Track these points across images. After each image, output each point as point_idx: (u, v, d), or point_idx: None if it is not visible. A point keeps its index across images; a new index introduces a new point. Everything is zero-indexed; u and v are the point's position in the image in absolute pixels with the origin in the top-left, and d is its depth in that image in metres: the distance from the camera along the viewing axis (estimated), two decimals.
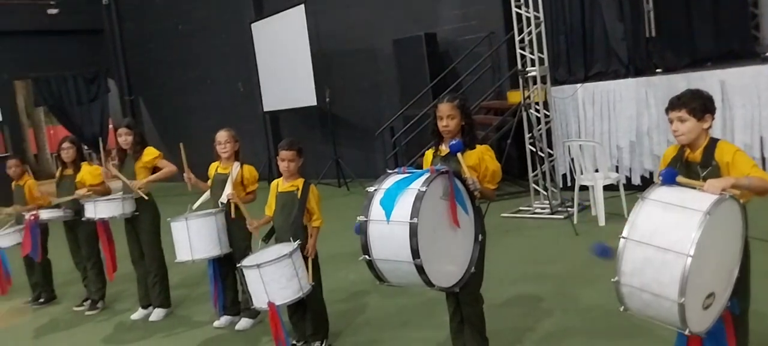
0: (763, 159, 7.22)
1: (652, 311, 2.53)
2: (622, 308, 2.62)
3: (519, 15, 7.99)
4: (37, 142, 21.93)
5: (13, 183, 6.50)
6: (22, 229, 6.16)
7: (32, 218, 6.03)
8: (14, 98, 16.29)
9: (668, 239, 2.42)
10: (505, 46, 9.60)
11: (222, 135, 4.95)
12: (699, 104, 2.85)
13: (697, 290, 2.45)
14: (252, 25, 12.96)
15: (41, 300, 6.49)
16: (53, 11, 15.74)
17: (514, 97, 8.90)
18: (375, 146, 11.54)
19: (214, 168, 5.06)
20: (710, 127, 2.89)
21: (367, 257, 3.05)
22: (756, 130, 7.29)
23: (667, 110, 2.92)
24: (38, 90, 16.00)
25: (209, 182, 5.07)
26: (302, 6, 11.27)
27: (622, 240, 2.52)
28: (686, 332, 2.47)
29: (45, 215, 6.07)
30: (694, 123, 2.84)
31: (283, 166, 4.25)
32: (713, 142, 2.86)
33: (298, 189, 4.20)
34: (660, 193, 2.60)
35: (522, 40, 8.04)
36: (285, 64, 12.15)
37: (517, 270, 5.80)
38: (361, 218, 3.04)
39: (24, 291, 6.65)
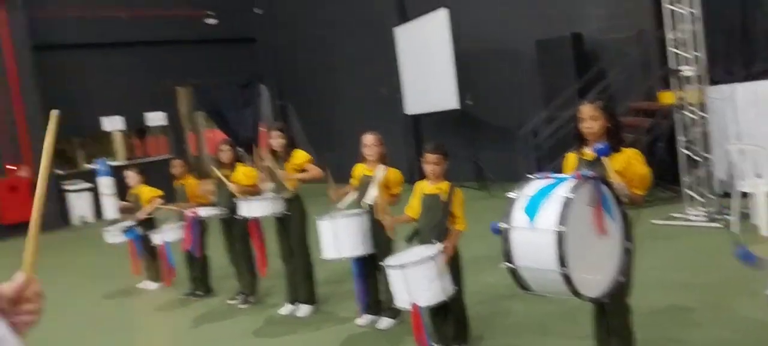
0: None
1: None
2: None
3: (671, 11, 7.52)
4: (196, 145, 23.67)
5: (176, 182, 7.10)
6: (184, 225, 6.70)
7: (192, 215, 6.54)
8: (177, 104, 17.71)
9: None
10: (655, 44, 9.06)
11: (369, 138, 5.07)
12: None
13: None
14: (395, 29, 13.20)
15: (199, 293, 6.99)
16: (212, 21, 16.93)
17: (666, 98, 8.38)
18: (516, 149, 11.33)
19: (360, 169, 5.19)
20: None
21: (509, 264, 3.00)
22: None
23: None
24: (198, 96, 17.30)
25: (355, 182, 5.22)
26: (446, 9, 11.32)
27: None
28: None
29: (203, 212, 6.56)
30: None
31: (428, 168, 4.28)
32: None
33: (443, 192, 4.22)
34: None
35: (675, 38, 7.55)
36: (427, 68, 12.26)
37: (668, 279, 5.48)
38: (503, 225, 3.00)
39: (184, 283, 7.20)
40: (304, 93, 17.28)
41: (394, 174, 5.07)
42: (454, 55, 11.41)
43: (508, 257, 2.99)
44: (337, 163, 5.25)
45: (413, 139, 13.94)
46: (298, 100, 17.67)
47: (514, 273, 3.01)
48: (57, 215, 14.71)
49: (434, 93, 12.17)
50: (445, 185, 4.25)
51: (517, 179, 3.34)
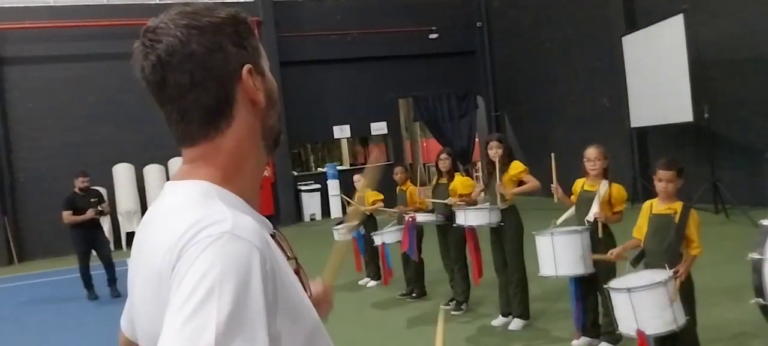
0: None
1: None
2: None
3: None
4: (412, 153, 24.53)
5: (398, 188, 7.43)
6: (402, 229, 6.97)
7: (411, 219, 6.78)
8: (397, 114, 18.52)
9: None
10: None
11: (591, 152, 4.86)
12: None
13: None
14: (623, 38, 12.52)
15: (414, 294, 7.22)
16: (434, 36, 17.48)
17: None
18: (761, 171, 10.10)
19: (580, 184, 4.99)
20: None
21: (761, 300, 2.67)
22: None
23: None
24: (417, 107, 17.95)
25: (573, 197, 5.03)
26: (681, 15, 10.49)
27: None
28: None
29: (421, 218, 6.78)
30: None
31: (660, 186, 3.98)
32: None
33: (675, 213, 3.90)
34: None
35: None
36: (658, 78, 11.45)
37: None
38: (755, 256, 2.69)
39: (401, 283, 7.48)
40: (520, 104, 17.11)
41: (618, 190, 4.79)
42: (689, 63, 10.50)
43: (760, 292, 2.66)
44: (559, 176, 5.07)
45: (638, 154, 13.08)
46: (514, 112, 17.53)
47: (766, 310, 2.68)
48: (292, 211, 16.23)
49: (665, 104, 11.31)
50: (677, 205, 3.92)
51: (765, 203, 2.97)
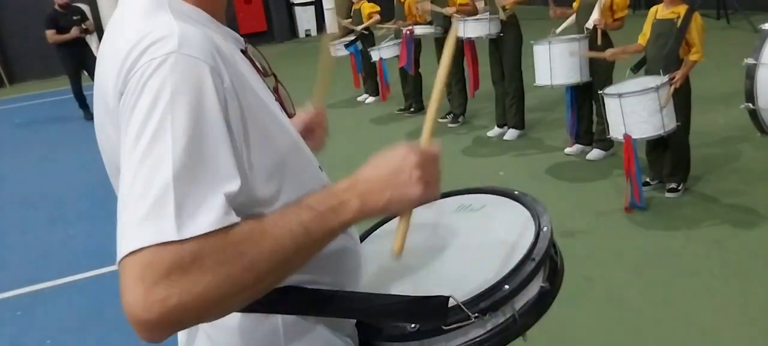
0: None
1: None
2: None
3: None
4: None
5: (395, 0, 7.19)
6: (400, 43, 6.85)
7: (408, 32, 6.65)
8: None
9: None
10: None
11: None
12: None
13: None
14: None
15: (412, 109, 7.26)
16: None
17: None
18: None
19: None
20: None
21: (750, 105, 2.69)
22: None
23: None
24: None
25: (576, 4, 4.89)
26: None
27: None
28: None
29: (419, 30, 6.63)
30: None
31: None
32: None
33: (678, 16, 3.81)
34: None
35: None
36: None
37: None
38: (750, 61, 2.66)
39: (399, 99, 7.51)
40: None
41: None
42: None
43: (750, 96, 2.68)
44: None
45: None
46: None
47: (754, 115, 2.71)
48: (286, 27, 15.89)
49: None
50: (681, 9, 3.82)
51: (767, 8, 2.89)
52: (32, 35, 12.39)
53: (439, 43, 6.48)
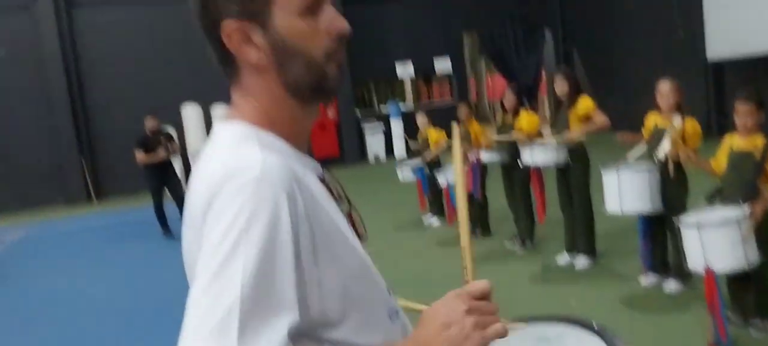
0: None
1: None
2: None
3: None
4: (477, 91, 24.15)
5: (461, 126, 7.33)
6: (467, 168, 6.94)
7: (475, 158, 6.74)
8: (462, 50, 18.17)
9: None
10: None
11: (664, 85, 4.64)
12: None
13: None
14: None
15: (477, 233, 7.23)
16: None
17: None
18: None
19: (651, 120, 4.80)
20: None
21: None
22: None
23: None
24: (482, 41, 17.55)
25: (645, 133, 4.87)
26: None
27: None
28: None
29: (486, 156, 6.72)
30: None
31: (740, 120, 3.80)
32: None
33: (756, 148, 3.73)
34: None
35: None
36: (737, 6, 10.80)
37: None
38: None
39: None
40: (589, 38, 16.49)
41: (692, 125, 4.57)
42: None
43: None
44: (623, 111, 4.93)
45: (714, 88, 12.49)
46: (584, 46, 16.92)
47: None
48: (357, 151, 16.38)
49: (746, 35, 10.68)
50: (759, 140, 3.74)
51: None
52: (122, 155, 13.17)
53: (506, 169, 6.53)
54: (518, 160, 6.02)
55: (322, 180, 1.08)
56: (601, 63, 15.98)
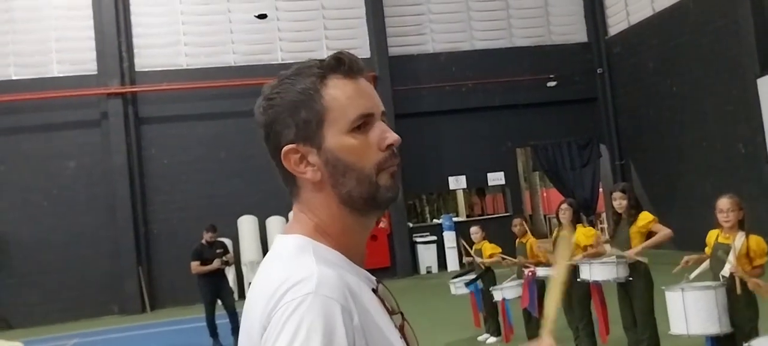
0: None
1: None
2: None
3: None
4: (531, 204, 23.96)
5: (517, 240, 7.24)
6: (522, 283, 6.77)
7: (531, 273, 6.58)
8: (515, 164, 18.20)
9: None
10: None
11: (724, 202, 4.52)
12: None
13: None
14: (758, 80, 11.73)
15: None
16: (552, 84, 17.14)
17: None
18: None
19: (714, 236, 4.64)
20: None
21: None
22: None
23: None
24: (536, 156, 17.57)
25: (708, 250, 4.69)
26: None
27: None
28: None
29: (542, 272, 6.55)
30: None
31: None
32: None
33: None
34: None
35: None
36: None
37: None
38: None
39: (523, 340, 7.20)
40: (647, 152, 16.29)
41: (757, 242, 4.43)
42: None
43: None
44: (688, 228, 4.78)
45: None
46: (641, 160, 16.71)
47: None
48: (408, 263, 16.24)
49: None
50: None
51: None
52: (176, 265, 13.41)
53: (571, 285, 6.30)
54: (577, 277, 5.82)
55: (376, 292, 1.10)
56: (660, 178, 15.70)
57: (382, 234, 15.88)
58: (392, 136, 1.12)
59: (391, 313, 1.11)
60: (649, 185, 16.12)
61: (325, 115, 1.10)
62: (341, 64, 1.12)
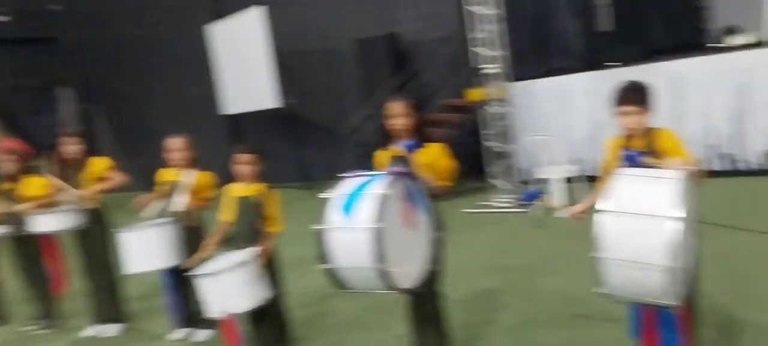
0: (712, 146, 7.53)
1: (634, 286, 2.51)
2: (600, 290, 2.58)
3: (475, 13, 7.99)
4: None
5: None
6: None
7: None
8: None
9: (651, 207, 2.46)
10: (463, 44, 9.57)
11: (173, 142, 4.75)
12: (641, 97, 3.01)
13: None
14: (207, 26, 12.78)
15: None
16: (3, 19, 15.21)
17: (474, 94, 8.89)
18: (340, 147, 11.42)
19: (165, 175, 4.84)
20: (651, 116, 3.02)
21: (326, 265, 2.97)
22: (705, 119, 7.56)
23: (614, 104, 3.05)
24: None
25: (161, 188, 4.86)
26: (259, 7, 11.11)
27: (601, 213, 2.52)
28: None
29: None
30: (640, 115, 2.98)
31: (240, 170, 4.08)
32: (654, 130, 3.02)
33: (255, 194, 4.06)
34: (628, 171, 2.77)
35: (479, 38, 8.04)
36: (245, 66, 11.94)
37: (478, 264, 5.89)
38: (319, 227, 2.97)
39: None
40: (114, 97, 16.01)
41: (204, 177, 4.80)
42: (273, 53, 11.20)
43: (325, 258, 2.95)
44: (152, 170, 4.88)
45: (232, 140, 13.54)
46: (109, 104, 16.33)
47: (331, 274, 2.99)
48: None
49: (254, 92, 11.88)
50: (259, 187, 4.09)
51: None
52: None
53: (15, 242, 5.57)
54: (26, 231, 5.30)
55: None
56: (130, 122, 15.66)
57: None
58: None
59: None
60: (120, 129, 16.00)
61: None
62: None
